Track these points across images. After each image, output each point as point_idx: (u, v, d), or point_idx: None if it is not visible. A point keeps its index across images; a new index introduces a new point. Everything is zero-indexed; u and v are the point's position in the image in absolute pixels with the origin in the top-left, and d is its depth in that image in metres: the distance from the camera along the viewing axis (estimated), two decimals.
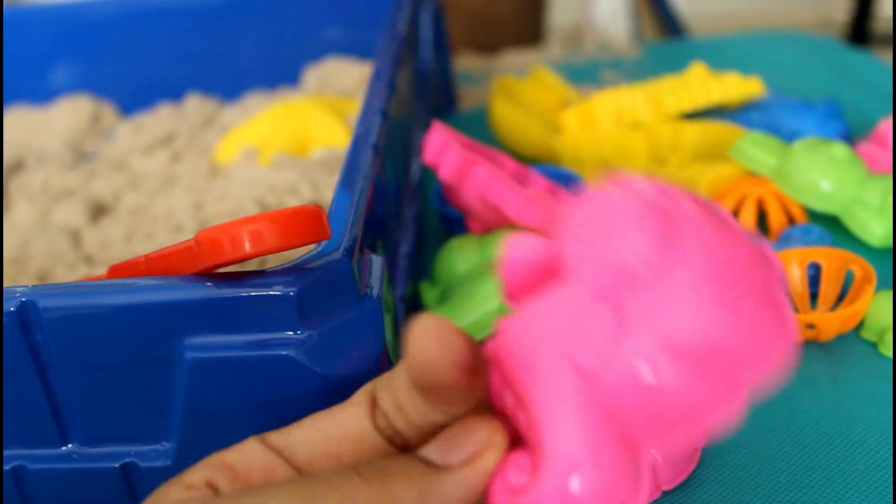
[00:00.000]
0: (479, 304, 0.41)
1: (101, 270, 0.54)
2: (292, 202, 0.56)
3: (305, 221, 0.30)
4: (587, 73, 0.80)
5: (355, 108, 0.68)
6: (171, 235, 0.56)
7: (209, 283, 0.32)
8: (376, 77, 0.49)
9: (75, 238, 0.59)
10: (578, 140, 0.58)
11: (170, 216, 0.59)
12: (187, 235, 0.56)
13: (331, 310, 0.32)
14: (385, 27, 0.57)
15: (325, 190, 0.57)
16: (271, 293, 0.31)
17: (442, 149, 0.47)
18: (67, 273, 0.54)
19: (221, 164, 0.65)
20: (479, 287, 0.41)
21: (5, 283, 0.54)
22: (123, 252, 0.55)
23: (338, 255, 0.32)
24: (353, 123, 0.64)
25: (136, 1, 0.74)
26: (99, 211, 0.63)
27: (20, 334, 0.32)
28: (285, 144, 0.64)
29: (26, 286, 0.32)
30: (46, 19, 0.76)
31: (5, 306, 0.31)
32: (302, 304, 0.31)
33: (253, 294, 0.31)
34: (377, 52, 0.53)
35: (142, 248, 0.55)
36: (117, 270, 0.38)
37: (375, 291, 0.34)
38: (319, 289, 0.32)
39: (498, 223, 0.47)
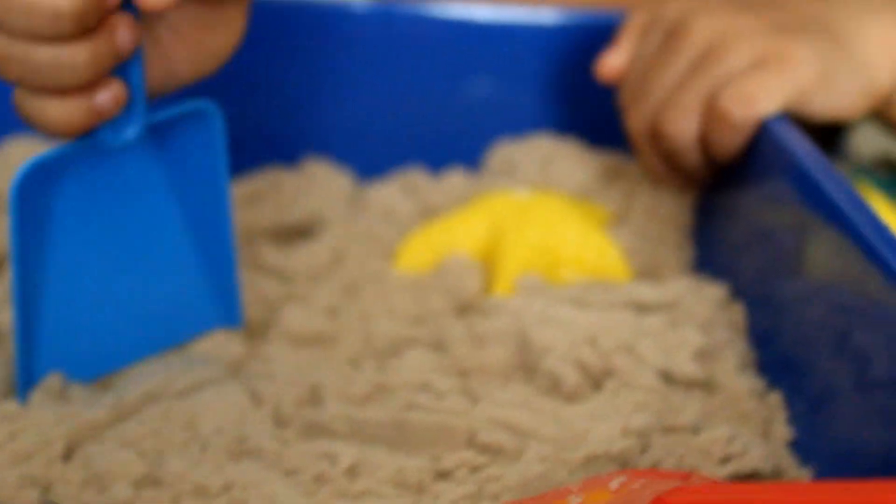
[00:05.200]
0: None
1: None
2: (635, 371, 0.49)
3: None
4: None
5: (604, 216, 0.62)
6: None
7: None
8: None
9: None
10: None
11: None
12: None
13: None
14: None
15: (677, 355, 0.49)
16: None
17: None
18: None
19: (413, 274, 0.58)
20: None
21: None
22: None
23: None
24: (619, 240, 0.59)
25: None
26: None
27: None
28: (525, 261, 0.56)
29: None
30: None
31: None
32: None
33: None
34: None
35: None
36: None
37: None
38: None
39: None
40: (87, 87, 0.41)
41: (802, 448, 0.47)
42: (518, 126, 0.69)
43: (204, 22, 0.45)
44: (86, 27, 0.40)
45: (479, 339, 0.51)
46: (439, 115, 0.70)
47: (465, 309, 0.56)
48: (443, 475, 0.44)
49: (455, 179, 0.67)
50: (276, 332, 0.53)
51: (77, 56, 0.40)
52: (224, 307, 0.51)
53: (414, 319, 0.55)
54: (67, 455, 0.44)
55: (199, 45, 0.45)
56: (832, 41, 0.57)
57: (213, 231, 0.50)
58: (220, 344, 0.51)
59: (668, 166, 0.60)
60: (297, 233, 0.63)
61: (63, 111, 0.41)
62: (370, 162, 0.69)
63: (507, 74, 0.69)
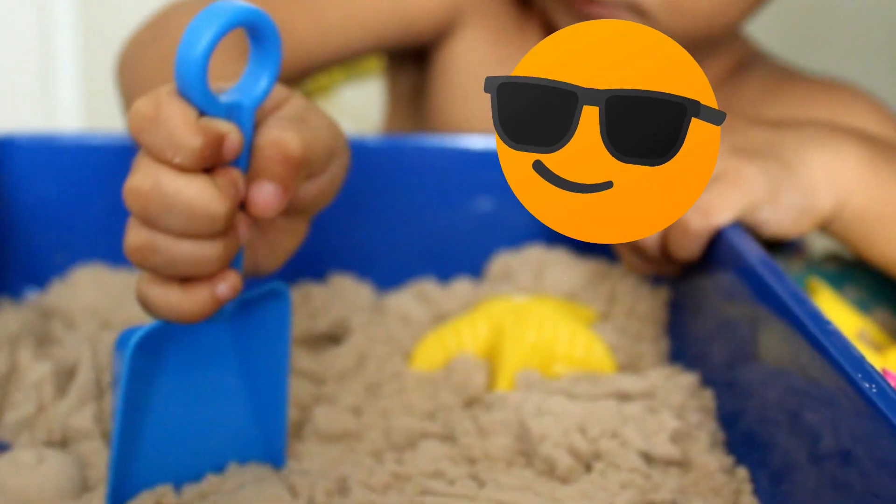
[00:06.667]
0: None
1: None
2: (619, 453, 0.51)
3: None
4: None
5: (591, 315, 0.65)
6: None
7: None
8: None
9: None
10: None
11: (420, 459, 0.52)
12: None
13: None
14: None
15: (656, 437, 0.51)
16: None
17: None
18: None
19: (427, 373, 0.60)
20: None
21: None
22: None
23: None
24: (605, 338, 0.61)
25: None
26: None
27: None
28: (523, 359, 0.59)
29: None
30: None
31: None
32: None
33: None
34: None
35: None
36: None
37: None
38: None
39: None
40: (211, 277, 0.43)
41: None
42: (514, 239, 0.72)
43: (281, 228, 0.49)
44: (229, 227, 0.43)
45: (484, 430, 0.53)
46: (446, 232, 0.72)
47: (471, 403, 0.57)
48: None
49: (462, 287, 0.69)
50: (309, 431, 0.55)
51: (215, 250, 0.42)
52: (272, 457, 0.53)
53: (428, 414, 0.56)
54: None
55: (274, 245, 0.49)
56: (781, 165, 0.59)
57: (271, 399, 0.52)
58: None
59: (644, 262, 0.63)
60: (326, 339, 0.65)
61: (190, 300, 0.43)
62: (387, 275, 0.72)
63: (504, 194, 0.68)
